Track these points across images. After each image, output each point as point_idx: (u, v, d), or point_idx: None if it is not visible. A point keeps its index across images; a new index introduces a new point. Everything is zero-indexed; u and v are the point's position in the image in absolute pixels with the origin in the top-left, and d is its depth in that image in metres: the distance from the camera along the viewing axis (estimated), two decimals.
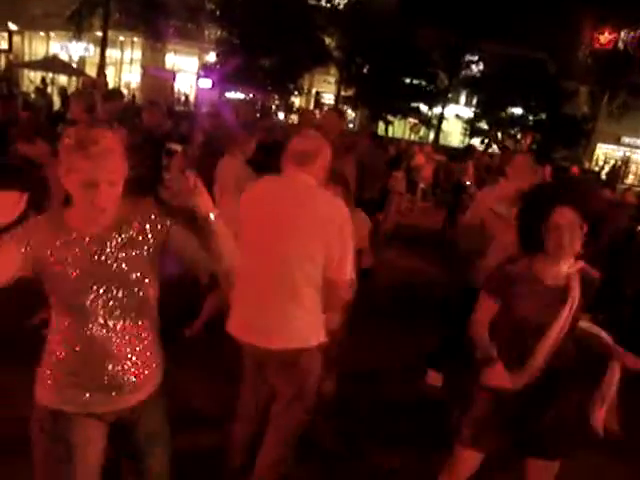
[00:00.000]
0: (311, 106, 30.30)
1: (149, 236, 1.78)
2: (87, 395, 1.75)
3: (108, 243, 1.73)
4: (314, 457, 3.14)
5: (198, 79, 26.43)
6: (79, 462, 1.76)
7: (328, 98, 30.45)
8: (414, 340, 4.74)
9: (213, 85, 24.38)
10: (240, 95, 24.50)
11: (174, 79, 25.79)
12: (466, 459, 2.47)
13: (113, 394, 1.77)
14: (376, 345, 4.55)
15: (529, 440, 2.36)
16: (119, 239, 1.74)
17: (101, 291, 1.71)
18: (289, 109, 25.95)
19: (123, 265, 1.73)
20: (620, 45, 25.80)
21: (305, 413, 2.60)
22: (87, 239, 1.71)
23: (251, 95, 24.12)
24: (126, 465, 1.98)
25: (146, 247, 1.77)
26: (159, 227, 1.79)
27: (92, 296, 1.69)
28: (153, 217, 1.80)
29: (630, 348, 2.41)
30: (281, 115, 24.99)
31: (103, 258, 1.71)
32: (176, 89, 26.72)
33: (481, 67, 27.12)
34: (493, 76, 24.70)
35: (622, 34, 25.53)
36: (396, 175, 9.53)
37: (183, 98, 26.96)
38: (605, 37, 26.15)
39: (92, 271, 1.69)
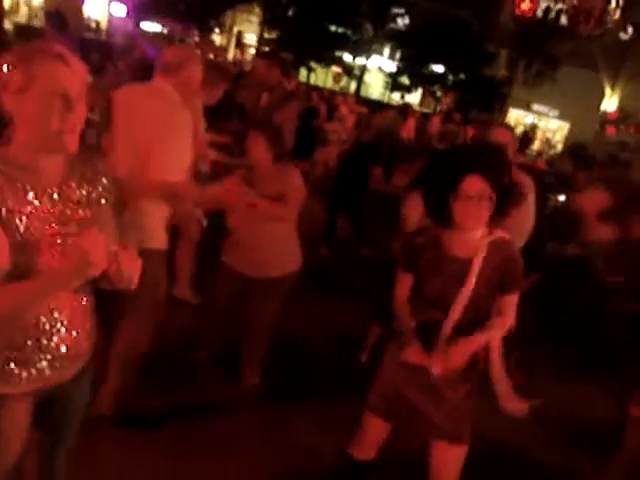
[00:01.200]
0: (232, 45, 29.10)
1: (104, 197, 1.58)
2: (27, 372, 1.53)
3: (62, 192, 1.49)
4: None
5: (110, 4, 24.50)
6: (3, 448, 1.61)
7: (250, 39, 29.32)
8: (338, 301, 4.70)
9: (128, 13, 22.70)
10: (157, 27, 23.03)
11: (83, 2, 23.69)
12: (370, 425, 2.44)
13: (57, 365, 1.57)
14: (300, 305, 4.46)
15: (427, 420, 2.30)
16: (76, 192, 1.52)
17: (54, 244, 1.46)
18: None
19: (74, 224, 1.50)
20: (539, 14, 26.42)
21: None
22: (39, 184, 1.45)
23: (168, 28, 22.73)
24: (42, 441, 1.83)
25: (99, 207, 1.57)
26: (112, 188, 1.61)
27: (41, 253, 1.44)
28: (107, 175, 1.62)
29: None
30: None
31: (56, 209, 1.47)
32: (85, 14, 24.61)
33: (407, 21, 26.97)
34: (418, 31, 24.65)
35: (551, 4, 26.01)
36: (329, 127, 9.37)
37: (94, 25, 24.93)
38: (526, 4, 26.67)
39: (42, 224, 1.44)
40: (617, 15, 24.25)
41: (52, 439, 1.83)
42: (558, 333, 5.01)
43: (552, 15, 26.03)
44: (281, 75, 4.58)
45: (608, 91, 24.62)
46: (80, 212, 1.52)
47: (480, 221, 2.13)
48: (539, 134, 31.64)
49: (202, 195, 2.90)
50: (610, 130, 18.40)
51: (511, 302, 2.24)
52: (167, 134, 2.53)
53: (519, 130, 29.53)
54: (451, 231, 2.19)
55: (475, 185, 2.06)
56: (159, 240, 2.73)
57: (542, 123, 31.56)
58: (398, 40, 27.00)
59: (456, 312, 2.16)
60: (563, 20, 25.60)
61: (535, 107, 30.36)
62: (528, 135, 26.15)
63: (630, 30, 24.29)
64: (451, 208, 2.11)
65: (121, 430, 2.82)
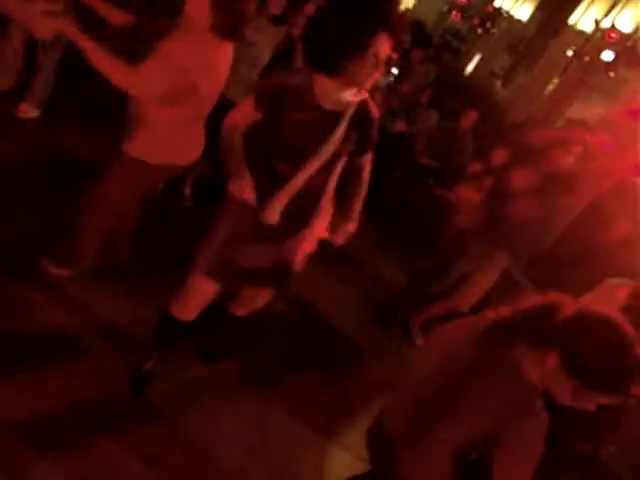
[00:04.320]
0: None
1: None
2: None
3: None
4: None
5: None
6: None
7: None
8: None
9: None
10: None
11: None
12: (199, 288, 2.27)
13: None
14: None
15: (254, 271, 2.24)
16: None
17: None
18: None
19: None
20: None
21: None
22: None
23: None
24: None
25: None
26: None
27: None
28: None
29: None
30: None
31: None
32: None
33: None
34: None
35: None
36: None
37: None
38: None
39: None
40: None
41: None
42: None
43: None
44: None
45: None
46: None
47: (371, 83, 1.95)
48: None
49: None
50: (456, 16, 18.70)
51: (367, 162, 2.24)
52: None
53: None
54: (328, 82, 1.94)
55: (386, 46, 1.87)
56: None
57: None
58: None
59: (315, 163, 2.02)
60: None
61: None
62: None
63: None
64: (347, 63, 1.86)
65: None
